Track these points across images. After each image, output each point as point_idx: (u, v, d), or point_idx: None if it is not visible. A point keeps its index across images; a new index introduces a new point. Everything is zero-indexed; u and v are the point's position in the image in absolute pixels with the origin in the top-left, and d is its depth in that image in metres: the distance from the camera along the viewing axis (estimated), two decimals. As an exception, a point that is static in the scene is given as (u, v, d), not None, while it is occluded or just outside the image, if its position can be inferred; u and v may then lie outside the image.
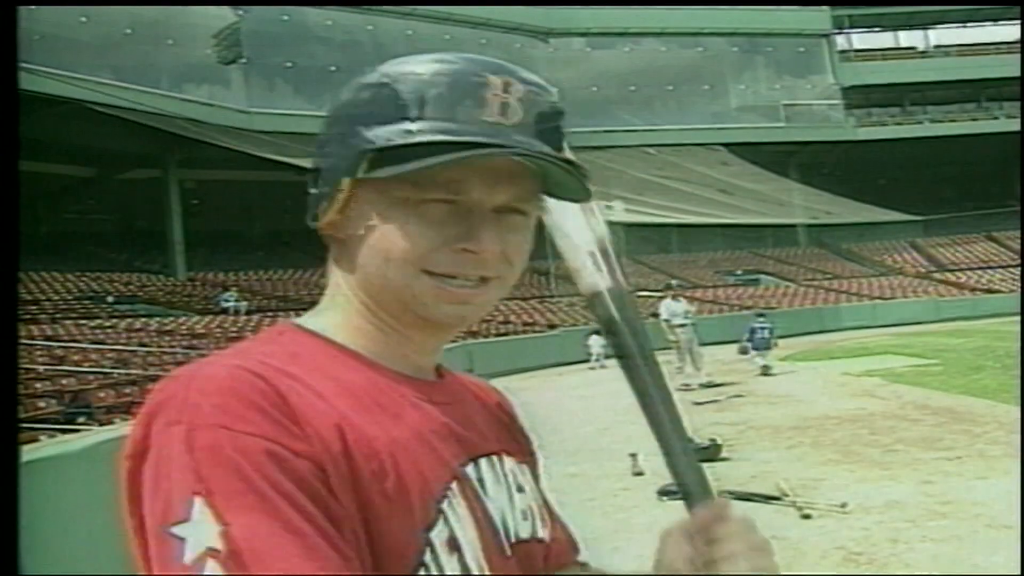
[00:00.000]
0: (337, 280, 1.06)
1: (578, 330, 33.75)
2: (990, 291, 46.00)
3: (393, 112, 0.96)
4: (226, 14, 39.21)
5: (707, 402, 14.48)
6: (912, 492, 7.08)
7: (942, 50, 56.72)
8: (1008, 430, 9.45)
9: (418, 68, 0.99)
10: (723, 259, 51.51)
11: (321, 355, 1.00)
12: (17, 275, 1.32)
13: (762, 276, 49.15)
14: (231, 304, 33.43)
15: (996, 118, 54.62)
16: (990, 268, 50.45)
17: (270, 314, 33.25)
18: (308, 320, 1.07)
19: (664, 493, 7.72)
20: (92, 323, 26.56)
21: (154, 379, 18.32)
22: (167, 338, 26.12)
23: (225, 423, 0.84)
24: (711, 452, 9.26)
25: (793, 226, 52.92)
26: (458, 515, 0.96)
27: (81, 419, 14.46)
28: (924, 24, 56.76)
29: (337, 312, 1.06)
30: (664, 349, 18.51)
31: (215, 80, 39.44)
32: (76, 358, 20.42)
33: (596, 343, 29.89)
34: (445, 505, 0.95)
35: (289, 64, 41.26)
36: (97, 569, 3.53)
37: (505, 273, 1.03)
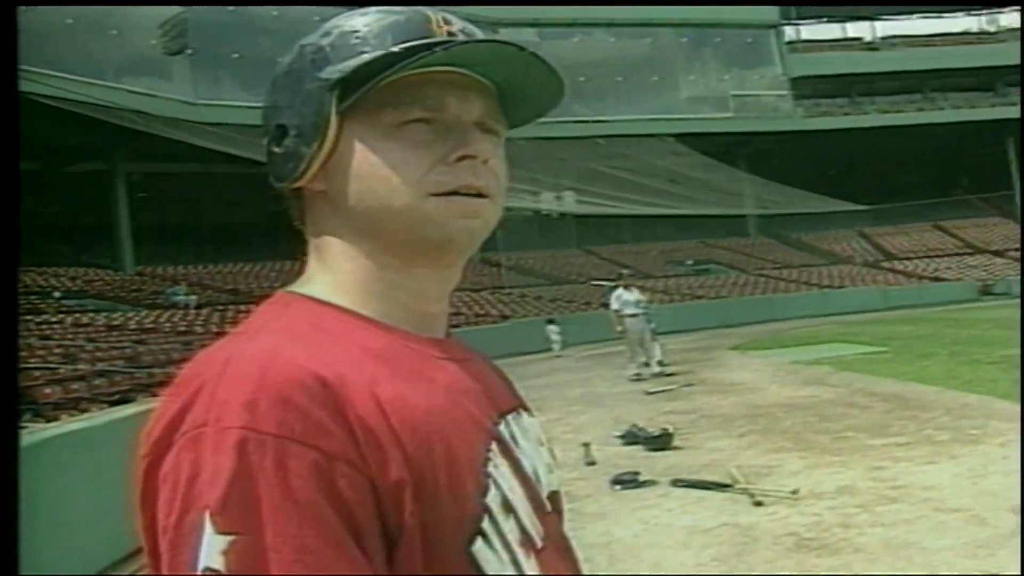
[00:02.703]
0: (324, 239, 1.03)
1: (529, 321, 33.86)
2: (937, 279, 46.74)
3: (349, 51, 0.98)
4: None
5: (659, 391, 14.52)
6: (862, 477, 7.12)
7: (888, 41, 57.41)
8: (956, 416, 9.56)
9: (361, 15, 1.01)
10: (674, 249, 51.80)
11: (339, 324, 0.97)
12: (17, 273, 1.33)
13: (712, 266, 49.53)
14: (180, 298, 33.06)
15: (942, 108, 55.44)
16: (937, 257, 51.24)
17: (220, 308, 32.95)
18: (307, 287, 1.03)
19: (617, 482, 7.73)
20: (38, 318, 26.12)
21: (102, 375, 18.12)
22: (115, 333, 25.75)
23: (253, 425, 0.80)
24: (663, 441, 9.28)
25: (743, 216, 53.34)
26: (504, 476, 0.95)
27: (27, 416, 14.22)
28: (871, 16, 57.39)
29: (335, 273, 1.02)
30: (618, 339, 18.59)
31: (161, 72, 38.87)
32: (22, 354, 20.09)
33: (553, 331, 30.11)
34: (491, 468, 0.94)
35: (236, 55, 40.83)
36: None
37: (496, 192, 1.02)
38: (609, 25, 51.66)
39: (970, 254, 51.53)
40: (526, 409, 1.13)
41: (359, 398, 0.85)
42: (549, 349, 29.51)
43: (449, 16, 1.01)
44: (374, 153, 0.97)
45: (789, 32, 55.67)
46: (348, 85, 0.96)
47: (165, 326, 28.29)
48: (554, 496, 1.07)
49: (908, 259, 51.18)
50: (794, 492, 6.72)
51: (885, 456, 7.86)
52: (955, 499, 6.21)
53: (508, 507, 0.93)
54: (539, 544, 0.97)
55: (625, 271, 22.60)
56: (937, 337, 20.16)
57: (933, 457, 7.64)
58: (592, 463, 8.73)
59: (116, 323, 27.86)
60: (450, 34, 0.99)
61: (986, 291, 43.61)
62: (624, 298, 17.84)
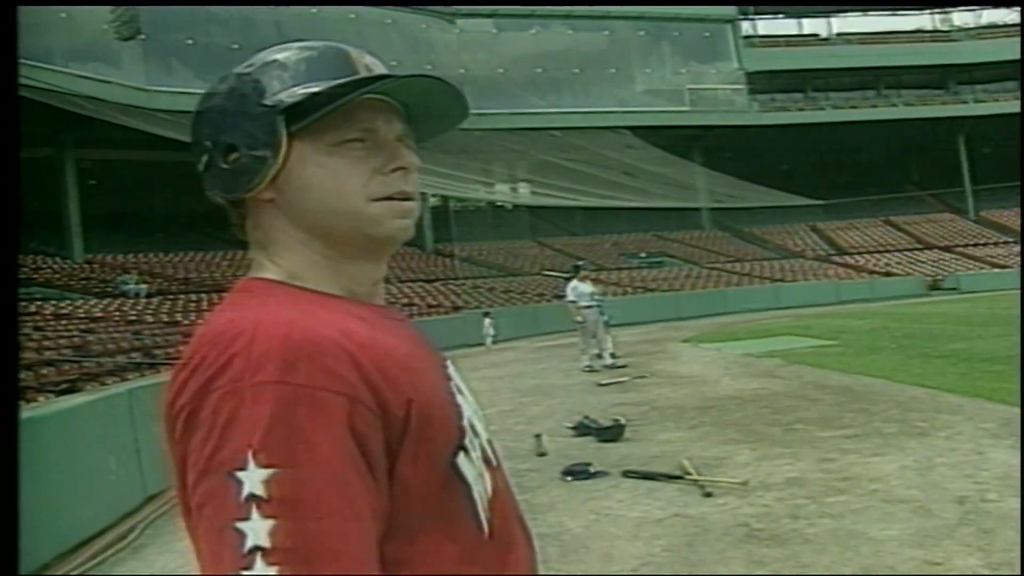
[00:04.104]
0: (274, 239, 1.18)
1: (482, 312, 33.81)
2: (887, 274, 47.29)
3: (290, 80, 1.15)
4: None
5: (611, 383, 14.54)
6: (811, 469, 7.16)
7: (844, 38, 57.91)
8: (904, 408, 9.65)
9: (288, 50, 1.20)
10: (627, 242, 52.02)
11: (318, 298, 1.14)
12: (17, 265, 1.44)
13: (666, 259, 49.74)
14: (130, 287, 32.69)
15: (895, 105, 56.01)
16: (888, 252, 51.83)
17: (171, 297, 32.62)
18: (269, 274, 1.18)
19: (568, 473, 7.72)
20: (-17, 307, 25.67)
21: (50, 364, 17.86)
22: (63, 322, 25.43)
23: (286, 378, 0.96)
24: (615, 432, 9.28)
25: (697, 209, 53.62)
26: (467, 404, 1.20)
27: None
28: (827, 12, 57.90)
29: (288, 263, 1.17)
30: (571, 331, 18.61)
31: (110, 57, 38.24)
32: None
33: (486, 325, 30.09)
34: (459, 399, 1.18)
35: (190, 41, 40.37)
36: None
37: (417, 196, 1.21)
38: (567, 17, 51.63)
39: (920, 250, 52.18)
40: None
41: (366, 350, 1.03)
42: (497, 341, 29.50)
43: (361, 51, 1.22)
44: (320, 167, 1.14)
45: (746, 27, 56.00)
46: (295, 110, 1.13)
47: (115, 315, 27.95)
48: (490, 442, 1.25)
49: (859, 254, 51.75)
50: (744, 483, 6.75)
51: (834, 448, 7.91)
52: (902, 490, 6.25)
53: (474, 429, 1.17)
54: (493, 462, 1.21)
55: (580, 263, 22.61)
56: (887, 331, 20.37)
57: (881, 449, 7.69)
58: (543, 454, 8.71)
59: (64, 312, 27.48)
60: (366, 67, 1.19)
61: (936, 286, 44.21)
62: (580, 289, 17.87)
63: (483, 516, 1.12)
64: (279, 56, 1.18)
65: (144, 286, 33.24)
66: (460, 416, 1.14)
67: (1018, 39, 55.23)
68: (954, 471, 6.66)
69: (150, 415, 8.54)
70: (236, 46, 39.18)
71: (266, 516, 0.90)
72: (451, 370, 1.24)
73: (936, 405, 9.70)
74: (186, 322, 27.50)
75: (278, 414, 0.94)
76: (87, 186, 39.53)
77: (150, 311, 29.49)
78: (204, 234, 39.07)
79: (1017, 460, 6.53)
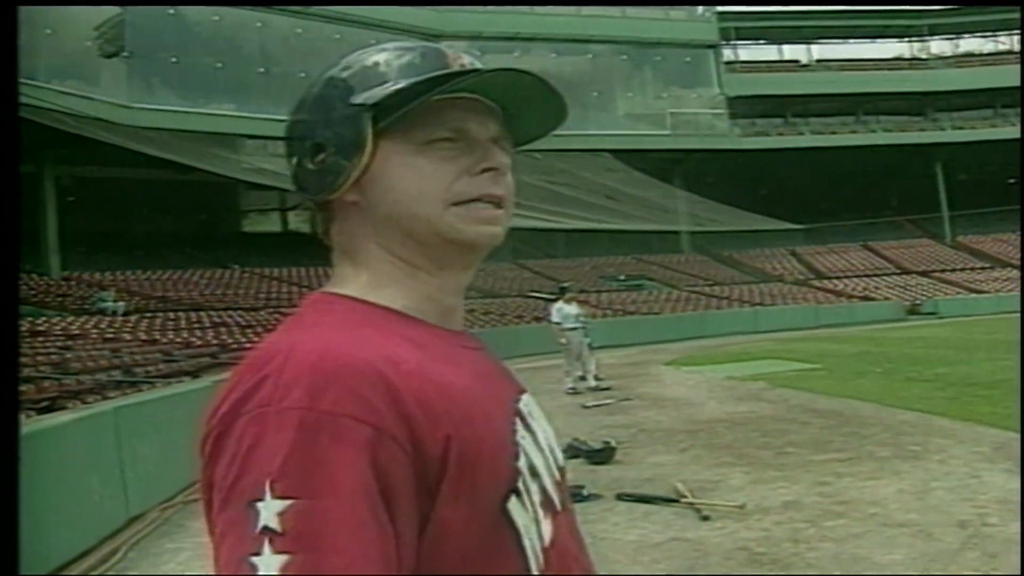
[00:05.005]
0: (357, 244, 1.14)
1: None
2: (866, 298, 47.45)
3: (378, 79, 1.12)
4: (109, 5, 37.91)
5: (596, 405, 14.47)
6: (807, 492, 7.11)
7: (824, 64, 58.36)
8: (894, 432, 9.64)
9: (382, 52, 1.16)
10: (608, 264, 52.02)
11: (379, 318, 1.08)
12: (18, 274, 1.41)
13: (646, 281, 49.76)
14: (108, 304, 32.38)
15: (873, 131, 56.44)
16: (866, 276, 52.08)
17: (149, 315, 32.38)
18: (342, 288, 1.13)
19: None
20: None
21: (28, 381, 17.63)
22: (40, 339, 25.14)
23: (312, 405, 0.90)
24: (606, 455, 9.21)
25: (676, 233, 53.76)
26: (529, 445, 1.09)
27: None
28: (807, 39, 58.39)
29: (368, 274, 1.13)
30: (553, 352, 18.54)
31: (95, 73, 38.07)
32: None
33: None
34: (519, 438, 1.08)
35: (174, 59, 40.22)
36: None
37: (509, 203, 1.16)
38: (550, 40, 51.75)
39: (899, 274, 52.44)
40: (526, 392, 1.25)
41: (412, 379, 0.97)
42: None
43: (459, 52, 1.17)
44: (405, 166, 1.10)
45: (727, 53, 56.28)
46: (382, 108, 1.09)
47: (92, 332, 27.68)
48: (562, 470, 1.18)
49: (838, 278, 51.93)
50: (742, 506, 6.68)
51: (828, 471, 7.88)
52: (901, 514, 6.22)
53: (534, 472, 1.07)
54: (557, 507, 1.11)
55: (566, 284, 22.58)
56: (869, 355, 20.40)
57: (876, 473, 7.67)
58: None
59: (41, 328, 27.18)
60: (461, 66, 1.14)
61: (914, 310, 44.42)
62: (565, 311, 17.83)
63: (533, 567, 1.03)
64: (371, 56, 1.16)
65: (121, 304, 32.92)
66: (516, 457, 1.05)
67: (993, 68, 56.18)
68: (952, 495, 6.63)
69: (136, 434, 8.43)
70: (220, 65, 39.11)
71: (277, 551, 0.85)
72: (524, 405, 1.16)
73: (927, 429, 9.70)
74: (164, 340, 27.29)
75: (299, 441, 0.89)
76: (66, 203, 39.20)
77: (128, 329, 29.23)
78: (183, 253, 38.87)
79: (1015, 484, 6.51)
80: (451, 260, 1.14)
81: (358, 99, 1.11)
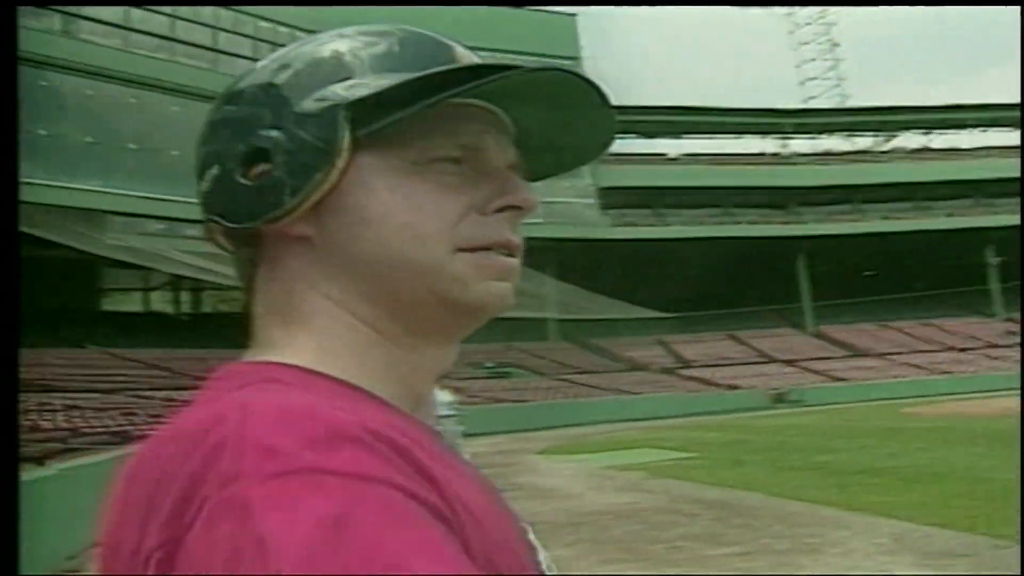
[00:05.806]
0: (301, 297, 0.76)
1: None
2: (733, 387, 48.04)
3: (358, 68, 0.76)
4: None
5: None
6: (709, 591, 6.65)
7: (692, 158, 59.89)
8: (787, 524, 9.31)
9: (359, 34, 0.80)
10: (475, 351, 51.60)
11: (346, 395, 0.70)
12: (19, 286, 1.26)
13: (514, 369, 49.48)
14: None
15: (739, 223, 57.99)
16: (732, 364, 52.88)
17: (33, 393, 30.64)
18: (278, 355, 0.74)
19: None
20: None
21: None
22: None
23: (320, 464, 0.57)
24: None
25: (544, 320, 53.81)
26: (539, 546, 0.78)
27: None
28: (676, 133, 59.97)
29: (316, 339, 0.75)
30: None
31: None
32: None
33: None
34: (530, 536, 0.78)
35: (44, 132, 38.69)
36: None
37: (521, 251, 0.80)
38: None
39: (764, 363, 53.38)
40: None
41: (415, 449, 0.64)
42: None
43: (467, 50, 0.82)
44: (392, 191, 0.74)
45: (599, 145, 57.26)
46: (363, 109, 0.74)
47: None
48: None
49: (704, 367, 52.56)
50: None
51: (727, 566, 7.47)
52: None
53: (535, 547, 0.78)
54: None
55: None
56: (744, 443, 20.33)
57: (777, 567, 7.27)
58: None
59: None
60: (470, 60, 0.80)
61: (781, 399, 45.12)
62: (437, 399, 17.24)
63: None
64: (343, 38, 0.79)
65: None
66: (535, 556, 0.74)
67: (852, 166, 58.63)
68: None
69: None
70: (91, 139, 38.08)
71: None
72: (532, 538, 0.78)
73: (819, 520, 9.42)
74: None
75: (325, 516, 0.53)
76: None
77: None
78: (33, 330, 37.02)
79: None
80: (435, 328, 0.78)
81: (328, 92, 0.74)
